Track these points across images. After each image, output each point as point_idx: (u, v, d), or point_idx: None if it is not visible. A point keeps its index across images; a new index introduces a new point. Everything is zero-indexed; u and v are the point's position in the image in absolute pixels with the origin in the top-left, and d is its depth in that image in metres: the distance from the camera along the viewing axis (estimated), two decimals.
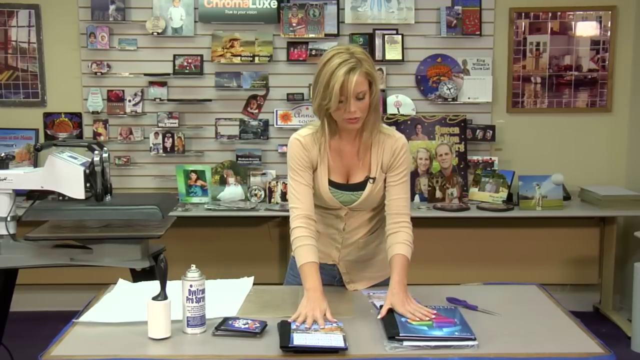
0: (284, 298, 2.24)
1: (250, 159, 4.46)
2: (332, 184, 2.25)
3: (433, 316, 1.97)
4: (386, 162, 2.24)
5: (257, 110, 4.50)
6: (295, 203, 2.21)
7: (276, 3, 4.36)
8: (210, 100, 4.46)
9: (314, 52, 4.39)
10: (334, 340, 1.83)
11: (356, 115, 2.11)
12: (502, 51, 4.50)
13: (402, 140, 2.26)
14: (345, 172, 2.26)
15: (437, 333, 1.85)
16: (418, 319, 1.95)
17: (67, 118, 4.44)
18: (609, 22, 4.47)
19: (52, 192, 2.86)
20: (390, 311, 2.00)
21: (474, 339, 1.83)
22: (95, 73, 4.41)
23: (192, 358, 1.81)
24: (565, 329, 1.99)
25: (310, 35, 4.39)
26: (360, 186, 2.25)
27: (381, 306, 2.06)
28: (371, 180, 2.24)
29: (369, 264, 2.38)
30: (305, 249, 2.15)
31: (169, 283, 1.93)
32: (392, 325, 1.89)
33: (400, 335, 1.83)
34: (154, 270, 2.73)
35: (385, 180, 2.26)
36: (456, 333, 1.85)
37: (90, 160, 2.79)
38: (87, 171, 2.76)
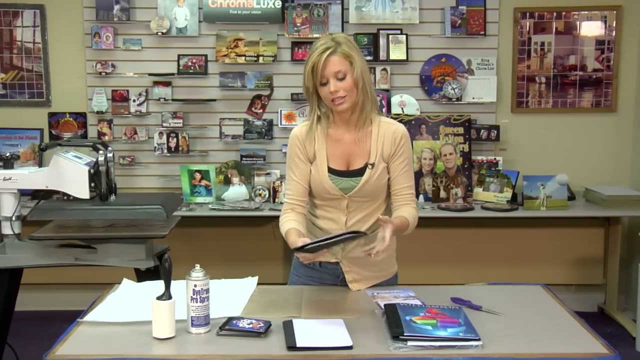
0: (288, 298, 2.24)
1: (254, 158, 4.46)
2: (331, 171, 2.30)
3: (380, 254, 2.10)
4: (387, 150, 2.29)
5: (261, 110, 4.50)
6: (286, 197, 2.36)
7: (280, 3, 4.36)
8: (214, 100, 4.47)
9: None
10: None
11: (339, 94, 2.20)
12: (507, 51, 4.50)
13: (402, 128, 2.32)
14: (345, 159, 2.31)
15: (441, 333, 1.85)
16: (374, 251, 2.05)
17: (72, 118, 4.45)
18: (614, 22, 4.46)
19: (57, 192, 2.87)
20: (394, 311, 1.99)
21: (478, 339, 1.83)
22: (100, 73, 4.42)
23: (197, 358, 1.81)
24: (570, 329, 1.99)
25: (315, 35, 4.39)
26: (360, 172, 2.29)
27: (385, 305, 2.06)
28: (370, 166, 2.28)
29: (372, 263, 2.37)
30: (287, 223, 2.28)
31: (173, 283, 1.93)
32: (396, 324, 1.89)
33: (405, 335, 1.83)
34: (159, 269, 2.74)
35: (388, 170, 2.31)
36: (460, 334, 1.85)
37: (94, 160, 2.80)
38: (92, 171, 2.77)
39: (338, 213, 2.32)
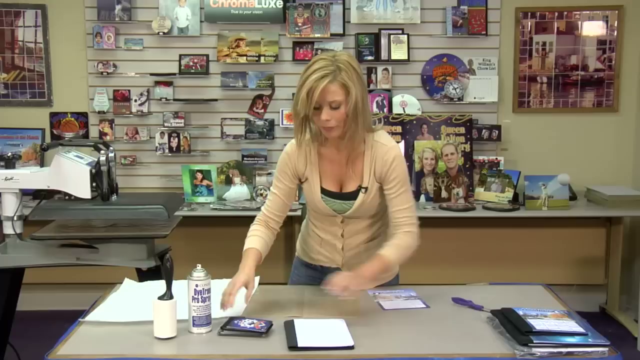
0: (290, 298, 2.25)
1: (255, 158, 4.47)
2: (324, 192, 2.24)
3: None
4: (379, 172, 2.21)
5: (262, 110, 4.50)
6: (264, 208, 2.34)
7: (282, 3, 4.36)
8: (216, 100, 4.47)
9: (319, 52, 4.39)
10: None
11: (330, 124, 2.08)
12: (508, 51, 4.49)
13: (394, 150, 2.20)
14: (338, 180, 2.25)
15: (570, 340, 1.82)
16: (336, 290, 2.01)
17: (74, 118, 4.46)
18: (616, 22, 4.45)
19: (59, 192, 2.88)
20: (514, 316, 1.94)
21: (608, 345, 1.80)
22: (102, 73, 4.42)
23: (198, 357, 1.82)
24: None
25: (316, 35, 4.39)
26: (353, 195, 2.24)
27: (497, 312, 2.00)
28: (363, 190, 2.22)
29: None
30: (250, 239, 2.29)
31: (174, 282, 1.93)
32: (520, 331, 1.85)
33: (535, 342, 1.79)
34: (160, 269, 2.74)
35: (383, 191, 2.23)
36: (590, 340, 1.83)
37: (96, 159, 2.80)
38: (93, 171, 2.77)
39: (334, 226, 2.31)
